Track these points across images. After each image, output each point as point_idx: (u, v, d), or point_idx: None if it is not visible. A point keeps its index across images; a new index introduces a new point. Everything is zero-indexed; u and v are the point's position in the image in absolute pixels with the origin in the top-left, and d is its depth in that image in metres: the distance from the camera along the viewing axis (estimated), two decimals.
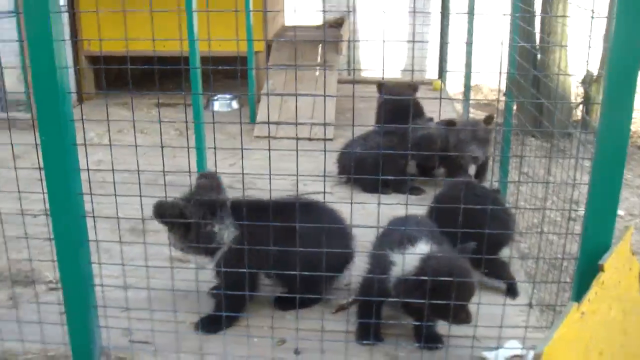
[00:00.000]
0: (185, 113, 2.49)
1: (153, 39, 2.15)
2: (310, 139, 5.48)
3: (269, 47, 6.62)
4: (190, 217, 2.60)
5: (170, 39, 2.24)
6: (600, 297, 2.07)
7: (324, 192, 2.64)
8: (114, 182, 2.41)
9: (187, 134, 2.64)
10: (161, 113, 6.34)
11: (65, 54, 2.14)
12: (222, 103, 6.53)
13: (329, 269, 2.54)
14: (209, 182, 2.81)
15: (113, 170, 2.25)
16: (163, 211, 2.59)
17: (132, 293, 2.83)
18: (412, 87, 5.14)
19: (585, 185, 2.15)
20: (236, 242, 2.66)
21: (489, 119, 4.31)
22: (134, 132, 2.47)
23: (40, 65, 2.07)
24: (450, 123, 4.36)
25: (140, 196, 2.34)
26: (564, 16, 6.72)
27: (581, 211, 2.39)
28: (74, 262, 2.31)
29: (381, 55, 2.25)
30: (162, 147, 2.25)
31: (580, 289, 2.09)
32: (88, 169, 2.32)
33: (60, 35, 2.07)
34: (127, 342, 2.66)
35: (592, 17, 2.33)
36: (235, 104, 6.60)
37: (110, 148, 2.33)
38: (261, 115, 5.76)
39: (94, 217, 2.32)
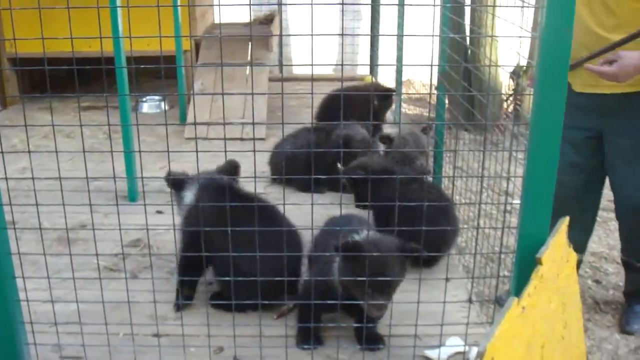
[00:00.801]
0: (108, 115, 2.35)
1: (71, 37, 2.03)
2: (242, 139, 5.38)
3: (197, 46, 6.49)
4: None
5: (86, 37, 2.12)
6: (539, 290, 2.06)
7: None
8: (35, 191, 2.27)
9: (111, 137, 2.52)
10: (89, 116, 6.15)
11: None
12: (151, 104, 6.36)
13: (274, 272, 2.48)
14: (227, 166, 3.21)
15: (33, 178, 2.13)
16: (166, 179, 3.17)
17: (60, 306, 2.71)
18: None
19: (519, 177, 2.14)
20: (190, 210, 2.99)
21: (425, 130, 4.30)
22: (54, 137, 2.33)
23: None
24: (385, 139, 4.28)
25: (64, 204, 2.22)
26: (493, 6, 6.81)
27: (516, 203, 2.39)
28: None
29: (311, 51, 2.21)
30: (84, 151, 2.14)
31: (520, 283, 2.07)
32: (6, 177, 2.18)
33: None
34: (58, 358, 2.54)
35: (523, 7, 2.32)
36: (164, 105, 6.44)
37: (30, 155, 2.21)
38: (191, 116, 5.62)
39: (14, 228, 2.19)
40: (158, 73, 7.00)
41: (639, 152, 3.41)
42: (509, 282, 3.64)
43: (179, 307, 2.95)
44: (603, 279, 4.23)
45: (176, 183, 3.16)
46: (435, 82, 4.24)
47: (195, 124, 5.00)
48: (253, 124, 4.84)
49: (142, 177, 2.37)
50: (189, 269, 2.87)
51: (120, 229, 2.38)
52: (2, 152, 2.12)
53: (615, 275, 4.32)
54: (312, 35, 2.06)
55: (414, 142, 4.19)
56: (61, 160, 2.24)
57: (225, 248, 2.50)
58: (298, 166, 4.10)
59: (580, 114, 3.39)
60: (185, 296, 2.95)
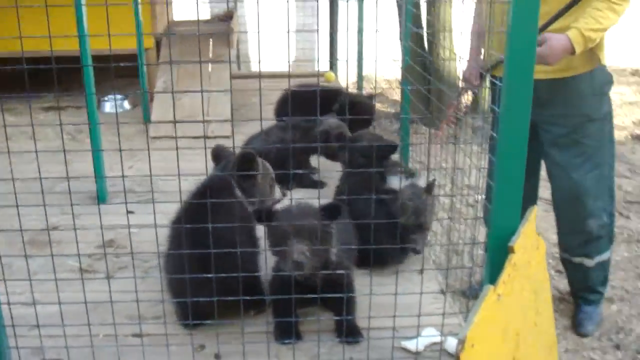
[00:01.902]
0: (57, 115, 2.36)
1: (20, 36, 2.04)
2: (207, 137, 5.38)
3: (157, 44, 6.47)
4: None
5: (34, 36, 2.12)
6: (513, 278, 2.15)
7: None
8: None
9: (66, 137, 2.53)
10: (51, 117, 6.08)
11: None
12: (113, 104, 6.32)
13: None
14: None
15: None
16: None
17: (39, 309, 2.70)
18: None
19: (475, 170, 2.23)
20: None
21: (429, 189, 3.50)
22: (5, 139, 2.34)
23: None
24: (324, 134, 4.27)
25: (18, 206, 2.23)
26: None
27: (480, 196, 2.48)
28: None
29: (269, 47, 2.30)
30: (64, 150, 2.16)
31: (493, 272, 2.15)
32: None
33: None
34: None
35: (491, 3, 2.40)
36: (127, 104, 6.41)
37: None
38: (155, 115, 5.62)
39: None
40: (118, 72, 6.96)
41: (573, 140, 3.53)
42: (475, 274, 3.76)
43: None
44: None
45: (217, 156, 3.24)
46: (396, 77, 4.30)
47: (181, 122, 4.98)
48: (209, 120, 4.86)
49: (122, 177, 2.37)
50: None
51: (101, 228, 2.41)
52: None
53: None
54: (288, 31, 2.11)
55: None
56: (25, 162, 2.26)
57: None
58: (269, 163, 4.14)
59: None
60: None
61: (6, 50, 5.52)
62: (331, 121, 4.28)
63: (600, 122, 3.54)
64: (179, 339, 2.63)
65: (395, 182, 3.33)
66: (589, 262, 3.81)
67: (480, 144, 4.08)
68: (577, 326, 3.98)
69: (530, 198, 3.91)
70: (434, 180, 3.36)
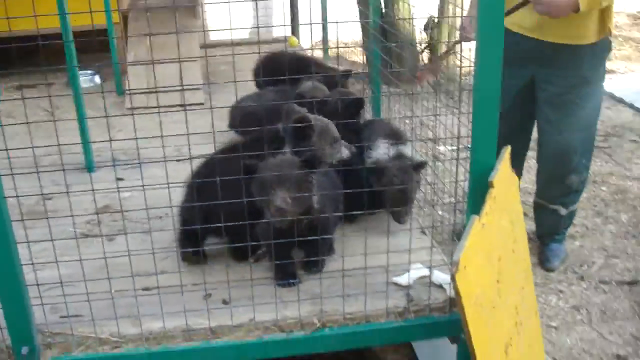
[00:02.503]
0: (32, 94, 2.51)
1: None
2: (182, 105, 5.52)
3: (125, 18, 6.54)
4: None
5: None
6: (493, 209, 2.40)
7: None
8: None
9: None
10: (24, 94, 6.12)
11: None
12: (84, 79, 6.39)
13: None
14: None
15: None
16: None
17: (49, 272, 2.85)
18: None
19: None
20: None
21: (419, 167, 3.38)
22: None
23: None
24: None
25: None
26: None
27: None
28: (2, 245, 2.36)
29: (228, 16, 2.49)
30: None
31: (475, 204, 2.40)
32: None
33: None
34: (58, 318, 2.71)
35: None
36: (97, 79, 6.48)
37: None
38: (130, 86, 5.73)
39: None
40: (84, 48, 6.99)
41: (566, 100, 3.74)
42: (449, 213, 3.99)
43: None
44: (529, 211, 4.59)
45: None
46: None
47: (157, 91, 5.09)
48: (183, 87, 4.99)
49: (110, 141, 2.51)
50: None
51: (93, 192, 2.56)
52: None
53: None
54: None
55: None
56: (7, 139, 2.38)
57: None
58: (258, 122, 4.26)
59: (518, 60, 3.65)
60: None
61: None
62: (307, 84, 4.43)
63: (594, 85, 3.74)
64: (187, 289, 2.81)
65: (381, 151, 3.31)
66: (563, 211, 4.10)
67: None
68: (544, 262, 4.28)
69: (520, 154, 4.12)
70: (425, 162, 3.36)
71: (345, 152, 3.21)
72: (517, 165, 4.04)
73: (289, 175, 2.66)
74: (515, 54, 3.55)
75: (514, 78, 3.72)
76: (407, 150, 3.35)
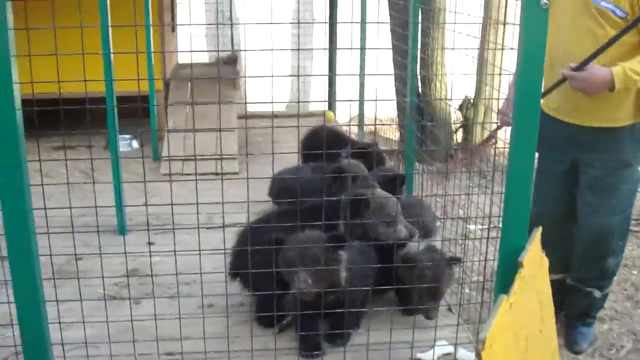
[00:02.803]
0: (69, 154, 2.57)
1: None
2: (216, 174, 5.61)
3: (167, 86, 6.72)
4: None
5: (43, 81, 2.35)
6: (522, 289, 2.36)
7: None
8: None
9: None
10: (62, 155, 6.28)
11: None
12: (123, 143, 6.53)
13: None
14: None
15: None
16: None
17: (74, 332, 2.86)
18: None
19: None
20: None
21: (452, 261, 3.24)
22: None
23: None
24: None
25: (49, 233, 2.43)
26: (443, 48, 7.22)
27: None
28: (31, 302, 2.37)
29: (268, 89, 2.54)
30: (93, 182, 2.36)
31: (504, 284, 2.37)
32: None
33: None
34: None
35: (500, 48, 2.66)
36: (135, 144, 6.63)
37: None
38: (167, 153, 5.84)
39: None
40: (126, 113, 7.19)
41: (608, 183, 3.70)
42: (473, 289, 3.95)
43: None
44: None
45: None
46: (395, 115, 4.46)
47: (201, 157, 5.19)
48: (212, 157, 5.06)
49: (146, 205, 2.55)
50: None
51: (125, 254, 2.59)
52: None
53: None
54: (298, 75, 2.33)
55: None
56: (41, 199, 2.42)
57: None
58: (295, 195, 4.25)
59: (559, 146, 3.64)
60: None
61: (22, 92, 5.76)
62: (345, 161, 4.44)
63: (634, 167, 3.72)
64: (210, 356, 2.79)
65: (413, 246, 3.16)
66: (598, 293, 4.01)
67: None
68: (571, 344, 4.16)
69: (570, 236, 4.04)
70: (459, 258, 3.19)
71: (403, 231, 3.11)
72: (568, 246, 3.96)
73: (312, 254, 2.66)
74: (556, 139, 3.54)
75: (557, 163, 3.73)
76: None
